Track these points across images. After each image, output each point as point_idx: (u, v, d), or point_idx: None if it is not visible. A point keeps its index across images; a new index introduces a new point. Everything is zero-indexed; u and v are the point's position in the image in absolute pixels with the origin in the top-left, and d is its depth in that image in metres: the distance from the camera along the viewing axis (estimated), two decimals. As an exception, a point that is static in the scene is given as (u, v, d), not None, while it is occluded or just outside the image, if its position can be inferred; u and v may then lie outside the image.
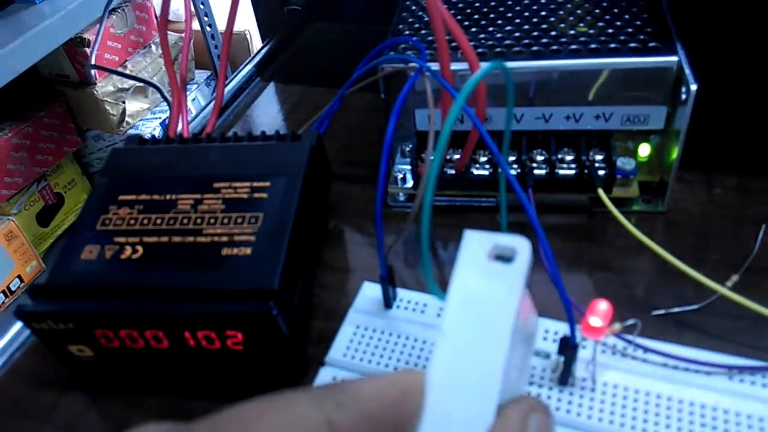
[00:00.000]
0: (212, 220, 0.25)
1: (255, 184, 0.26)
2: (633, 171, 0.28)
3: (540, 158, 0.29)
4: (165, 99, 0.35)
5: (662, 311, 0.25)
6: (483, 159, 0.29)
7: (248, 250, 0.23)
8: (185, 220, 0.25)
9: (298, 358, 0.23)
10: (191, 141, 0.30)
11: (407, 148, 0.31)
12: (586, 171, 0.28)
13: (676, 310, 0.24)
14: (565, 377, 0.21)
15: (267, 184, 0.26)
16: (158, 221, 0.25)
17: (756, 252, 0.26)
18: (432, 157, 0.25)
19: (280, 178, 0.26)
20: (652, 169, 0.29)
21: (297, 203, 0.25)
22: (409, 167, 0.31)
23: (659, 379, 0.21)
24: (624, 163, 0.28)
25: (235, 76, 0.44)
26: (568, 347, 0.20)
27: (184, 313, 0.22)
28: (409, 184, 0.31)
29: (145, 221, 0.25)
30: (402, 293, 0.25)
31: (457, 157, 0.29)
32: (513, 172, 0.29)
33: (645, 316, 0.25)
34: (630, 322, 0.20)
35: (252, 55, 0.47)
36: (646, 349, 0.22)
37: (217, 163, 0.28)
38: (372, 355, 0.23)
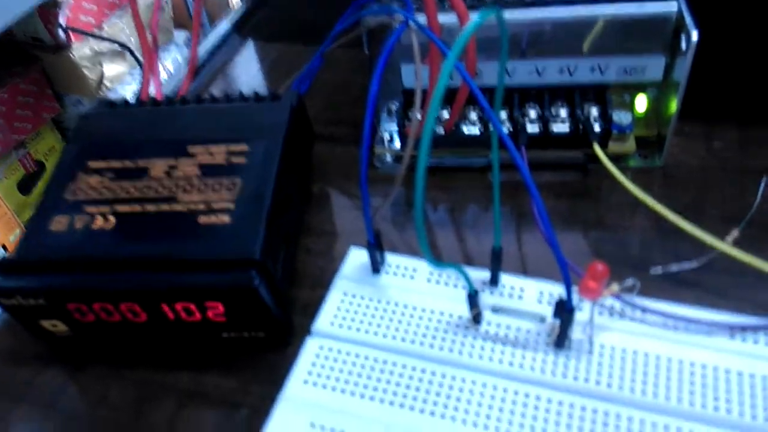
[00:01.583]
0: (188, 187, 0.24)
1: (232, 147, 0.25)
2: (629, 125, 0.27)
3: (533, 114, 0.27)
4: (136, 60, 0.34)
5: (660, 270, 0.24)
6: (473, 116, 0.28)
7: (227, 218, 0.22)
8: (159, 188, 0.24)
9: (282, 329, 0.23)
10: (164, 104, 0.28)
11: (394, 107, 0.30)
12: (581, 126, 0.27)
13: (674, 268, 0.24)
14: (561, 341, 0.20)
15: (245, 147, 0.24)
16: (131, 189, 0.24)
17: (757, 206, 0.25)
18: (419, 116, 0.24)
19: (259, 141, 0.25)
20: (649, 122, 0.28)
21: (278, 167, 0.24)
22: (395, 127, 0.29)
23: (658, 339, 0.20)
24: (620, 117, 0.27)
25: (212, 35, 0.42)
26: (564, 310, 0.19)
27: (160, 286, 0.21)
28: (397, 144, 0.29)
29: (117, 189, 0.24)
30: (391, 258, 0.24)
31: (446, 114, 0.28)
32: (505, 129, 0.27)
33: (642, 275, 0.24)
34: (628, 282, 0.19)
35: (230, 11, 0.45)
36: (644, 309, 0.21)
37: (191, 127, 0.26)
38: (360, 323, 0.22)
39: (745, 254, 0.22)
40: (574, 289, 0.19)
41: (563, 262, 0.18)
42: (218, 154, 0.24)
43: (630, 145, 0.27)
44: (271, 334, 0.22)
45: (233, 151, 0.24)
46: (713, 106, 0.30)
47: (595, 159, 0.26)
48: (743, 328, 0.20)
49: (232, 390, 0.22)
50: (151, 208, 0.23)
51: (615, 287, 0.19)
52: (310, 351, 0.21)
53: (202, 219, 0.22)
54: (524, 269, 0.25)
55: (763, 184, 0.25)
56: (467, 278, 0.20)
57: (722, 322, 0.20)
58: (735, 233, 0.24)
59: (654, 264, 0.24)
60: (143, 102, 0.29)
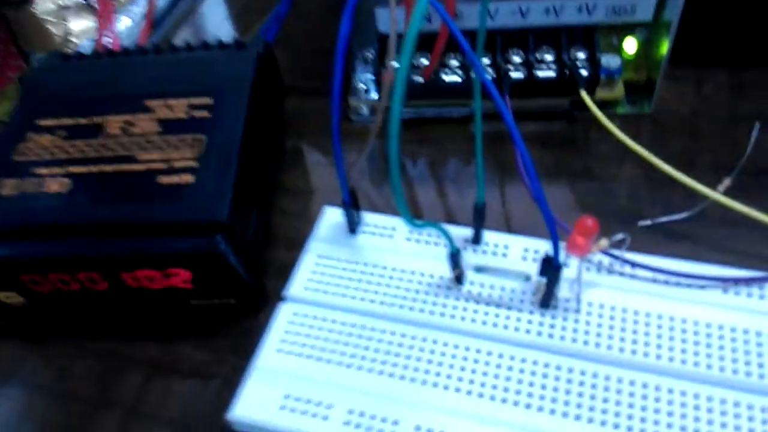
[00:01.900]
0: (147, 145, 0.22)
1: (194, 101, 0.23)
2: (618, 69, 0.25)
3: (517, 59, 0.26)
4: (91, 7, 0.31)
5: (649, 221, 0.23)
6: (454, 63, 0.26)
7: (190, 178, 0.20)
8: (115, 146, 0.22)
9: (254, 294, 0.21)
10: (121, 55, 0.26)
11: (369, 55, 0.28)
12: (567, 72, 0.25)
13: (664, 219, 0.23)
14: (547, 299, 0.19)
15: (208, 100, 0.23)
16: (85, 148, 0.22)
17: (749, 152, 0.24)
18: (395, 64, 0.22)
19: (223, 93, 0.23)
20: (638, 66, 0.27)
21: (245, 120, 0.22)
22: (371, 76, 0.28)
23: (649, 295, 0.19)
24: (608, 60, 0.25)
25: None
26: (551, 268, 0.18)
27: (119, 253, 0.19)
28: (374, 95, 0.28)
29: (70, 149, 0.22)
30: (368, 217, 0.22)
31: (424, 62, 0.26)
32: (488, 76, 0.26)
33: (631, 228, 0.23)
34: (618, 236, 0.18)
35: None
36: (634, 264, 0.20)
37: (149, 79, 0.24)
38: (336, 287, 0.21)
39: (737, 203, 0.21)
40: (562, 245, 0.18)
41: (550, 218, 0.17)
42: (179, 108, 0.23)
43: (618, 90, 0.26)
44: (242, 300, 0.21)
45: (195, 105, 0.23)
46: (703, 49, 0.28)
47: (582, 106, 0.25)
48: (736, 281, 0.19)
49: (203, 361, 0.21)
50: (107, 168, 0.21)
51: (604, 242, 0.18)
52: (283, 318, 0.20)
53: (163, 179, 0.21)
54: (508, 225, 0.24)
55: (755, 131, 0.24)
56: (448, 237, 0.18)
57: (714, 276, 0.19)
58: (727, 182, 0.23)
59: (643, 216, 0.23)
60: (98, 54, 0.27)
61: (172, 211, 0.20)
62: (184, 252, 0.19)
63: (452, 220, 0.24)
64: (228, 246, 0.19)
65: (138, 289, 0.20)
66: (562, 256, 0.18)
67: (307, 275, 0.21)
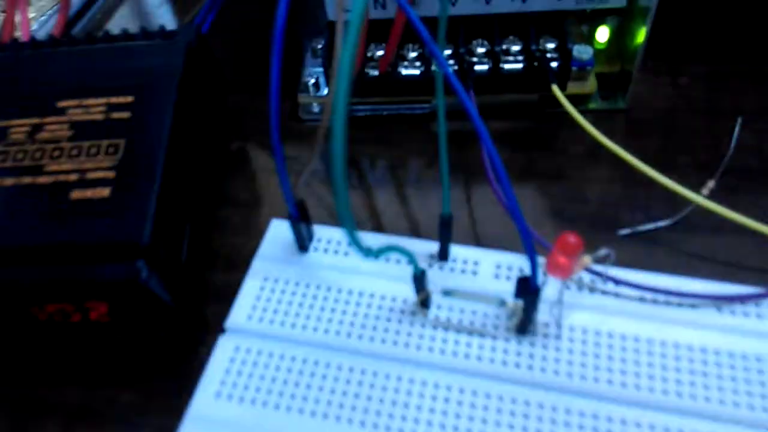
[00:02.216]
0: (56, 153, 0.18)
1: (113, 99, 0.19)
2: (590, 61, 0.23)
3: (481, 50, 0.23)
4: None
5: (629, 230, 0.21)
6: (413, 55, 0.23)
7: (106, 191, 0.17)
8: (20, 155, 0.19)
9: (189, 325, 0.18)
10: (29, 47, 0.22)
11: (318, 46, 0.25)
12: (535, 63, 0.23)
13: (645, 227, 0.21)
14: (524, 325, 0.17)
15: (129, 99, 0.19)
16: (-21, 159, 0.19)
17: (732, 151, 0.22)
18: (341, 52, 0.19)
19: (147, 91, 0.20)
20: (610, 57, 0.24)
21: (171, 121, 0.19)
22: (321, 69, 0.25)
23: (635, 317, 0.17)
24: (580, 51, 0.23)
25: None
26: (528, 291, 0.16)
27: (22, 282, 0.16)
28: (325, 90, 0.25)
29: (-40, 160, 0.19)
30: (320, 231, 0.20)
31: (380, 53, 0.23)
32: (450, 69, 0.23)
33: (610, 237, 0.21)
34: (602, 252, 0.16)
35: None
36: (617, 281, 0.18)
37: (62, 75, 0.21)
38: (285, 315, 0.18)
39: (724, 209, 0.19)
40: (540, 263, 0.15)
41: (527, 234, 0.15)
42: (95, 108, 0.19)
43: (591, 84, 0.24)
44: (174, 333, 0.18)
45: (114, 104, 0.19)
46: (677, 36, 0.26)
47: (552, 102, 0.23)
48: (730, 299, 0.17)
49: (130, 405, 0.18)
50: (9, 181, 0.18)
51: (587, 260, 0.16)
52: (221, 354, 0.17)
53: (75, 194, 0.17)
54: (477, 237, 0.22)
55: (737, 127, 0.23)
56: (411, 258, 0.16)
57: (707, 294, 0.17)
58: (711, 184, 0.21)
59: (622, 223, 0.21)
60: (3, 45, 0.23)
61: (84, 232, 0.17)
62: (98, 281, 0.16)
63: (415, 231, 0.22)
64: (150, 272, 0.16)
65: (51, 325, 0.17)
66: (539, 277, 0.16)
67: (251, 302, 0.18)
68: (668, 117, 0.24)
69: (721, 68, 0.25)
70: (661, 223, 0.21)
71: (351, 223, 0.13)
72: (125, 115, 0.19)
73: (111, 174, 0.18)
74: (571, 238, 0.14)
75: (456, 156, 0.23)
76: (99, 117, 0.19)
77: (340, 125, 0.12)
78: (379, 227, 0.22)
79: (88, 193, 0.17)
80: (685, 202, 0.20)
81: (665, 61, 0.26)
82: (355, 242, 0.13)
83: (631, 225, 0.21)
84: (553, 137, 0.24)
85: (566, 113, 0.24)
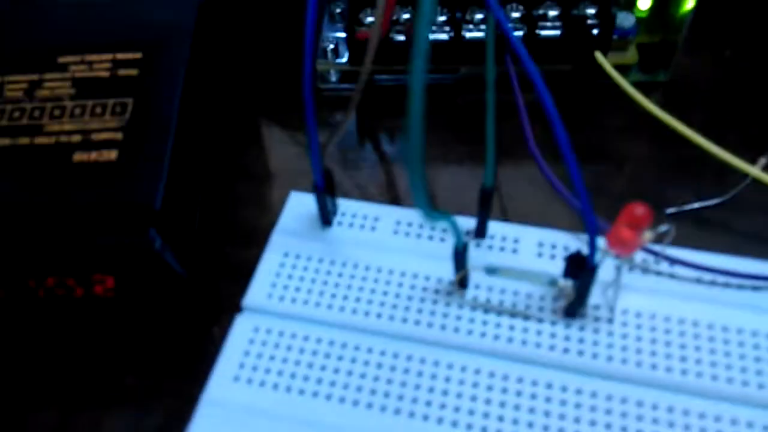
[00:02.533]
0: (57, 112, 0.17)
1: (120, 56, 0.18)
2: (632, 29, 0.22)
3: (516, 15, 0.22)
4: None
5: (675, 209, 0.19)
6: (441, 18, 0.22)
7: (113, 154, 0.16)
8: (17, 113, 0.17)
9: (202, 303, 0.17)
10: None
11: (338, 10, 0.24)
12: (574, 30, 0.21)
13: (696, 205, 0.19)
14: (574, 308, 0.15)
15: (137, 55, 0.18)
16: (-29, 116, 0.17)
17: (784, 127, 0.20)
18: (381, 12, 0.18)
19: (157, 47, 0.18)
20: (650, 27, 0.23)
21: (184, 80, 0.17)
22: (342, 34, 0.23)
23: (693, 300, 0.16)
24: (622, 18, 0.22)
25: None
26: (585, 269, 0.14)
27: (21, 251, 0.15)
28: (344, 58, 0.23)
29: (-50, 117, 0.17)
30: (345, 205, 0.18)
31: (406, 16, 0.22)
32: (477, 34, 0.22)
33: (656, 216, 0.19)
34: (662, 228, 0.15)
35: None
36: (672, 261, 0.16)
37: (63, 29, 0.19)
38: (308, 294, 0.16)
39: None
40: (599, 240, 0.14)
41: (588, 207, 0.13)
42: (100, 65, 0.18)
43: (632, 54, 0.22)
44: (188, 312, 0.17)
45: (121, 61, 0.18)
46: (720, 7, 0.25)
47: (587, 74, 0.21)
48: (798, 282, 0.16)
49: (138, 388, 0.17)
50: (5, 141, 0.16)
51: (648, 236, 0.14)
52: (240, 334, 0.16)
53: (78, 156, 0.16)
54: (505, 214, 0.20)
55: (788, 102, 0.21)
56: (457, 231, 0.14)
57: (771, 275, 0.16)
58: (763, 161, 0.19)
59: (669, 201, 0.19)
60: (-2, -1, 0.21)
61: (90, 198, 0.15)
62: (106, 250, 0.15)
63: (438, 208, 0.20)
64: (163, 242, 0.14)
65: (51, 301, 0.16)
66: (598, 255, 0.14)
67: (271, 279, 0.17)
68: (712, 91, 0.23)
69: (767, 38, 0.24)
70: (711, 201, 0.19)
71: (421, 181, 0.11)
72: (133, 72, 0.17)
73: (118, 135, 0.16)
74: (639, 209, 0.13)
75: (479, 130, 0.22)
76: (104, 74, 0.17)
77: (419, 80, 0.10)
78: (397, 201, 0.21)
79: (93, 156, 0.16)
80: (735, 179, 0.19)
81: (707, 32, 0.24)
82: (422, 200, 0.12)
83: (678, 203, 0.19)
84: (590, 110, 0.23)
85: (603, 85, 0.22)
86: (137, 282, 0.15)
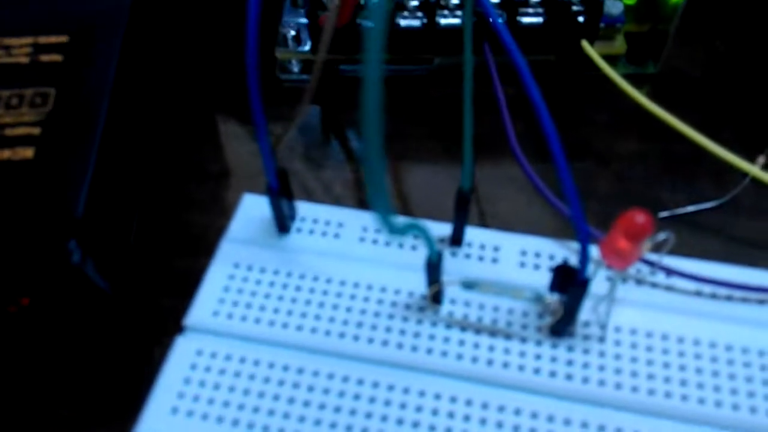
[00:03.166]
0: (-33, 103, 0.14)
1: (42, 39, 0.15)
2: (620, 16, 0.20)
3: (494, 0, 0.20)
4: None
5: (669, 212, 0.18)
6: (413, 3, 0.20)
7: (29, 152, 0.13)
8: None
9: (139, 323, 0.15)
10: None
11: (300, -6, 0.22)
12: (558, 17, 0.20)
13: (691, 208, 0.18)
14: (561, 326, 0.14)
15: (63, 39, 0.15)
16: None
17: (782, 124, 0.19)
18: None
19: (86, 30, 0.16)
20: (639, 15, 0.21)
21: (116, 68, 0.15)
22: (305, 20, 0.21)
23: (693, 315, 0.14)
24: (609, 5, 0.20)
25: None
26: (575, 283, 0.13)
27: None
28: (307, 46, 0.21)
29: None
30: (305, 208, 0.16)
31: None
32: (453, 20, 0.20)
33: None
34: (661, 236, 0.13)
35: None
36: (669, 272, 0.15)
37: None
38: (261, 311, 0.14)
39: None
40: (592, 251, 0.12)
41: (579, 217, 0.12)
42: (19, 50, 0.15)
43: (619, 44, 0.21)
44: (119, 332, 0.14)
45: (43, 45, 0.15)
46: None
47: (571, 65, 0.20)
48: (808, 295, 0.14)
49: (66, 422, 0.14)
50: None
51: (647, 245, 0.13)
52: (180, 359, 0.14)
53: (-10, 155, 0.14)
54: (483, 218, 0.18)
55: (785, 96, 0.20)
56: (430, 240, 0.12)
57: (777, 287, 0.14)
58: (762, 159, 0.18)
59: (662, 204, 0.18)
60: None
61: (0, 203, 0.13)
62: (17, 266, 0.12)
63: (412, 212, 0.19)
64: (87, 254, 0.12)
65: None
66: (590, 267, 0.12)
67: (218, 294, 0.15)
68: (704, 85, 0.21)
69: (762, 32, 0.22)
70: (707, 205, 0.18)
71: (384, 189, 0.09)
72: (57, 58, 0.15)
73: (36, 130, 0.14)
74: (640, 218, 0.11)
75: (455, 125, 0.20)
76: (23, 60, 0.15)
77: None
78: (365, 204, 0.19)
79: (6, 154, 0.13)
80: (732, 180, 0.18)
81: (697, 22, 0.23)
82: (383, 213, 0.10)
83: (672, 206, 0.18)
84: (575, 104, 0.21)
85: (588, 77, 0.21)
86: (57, 300, 0.13)
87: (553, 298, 0.14)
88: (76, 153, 0.13)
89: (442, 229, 0.16)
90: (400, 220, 0.10)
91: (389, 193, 0.10)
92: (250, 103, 0.12)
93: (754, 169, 0.17)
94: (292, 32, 0.21)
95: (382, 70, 0.08)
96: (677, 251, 0.15)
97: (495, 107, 0.19)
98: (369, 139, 0.09)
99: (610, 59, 0.21)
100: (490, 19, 0.11)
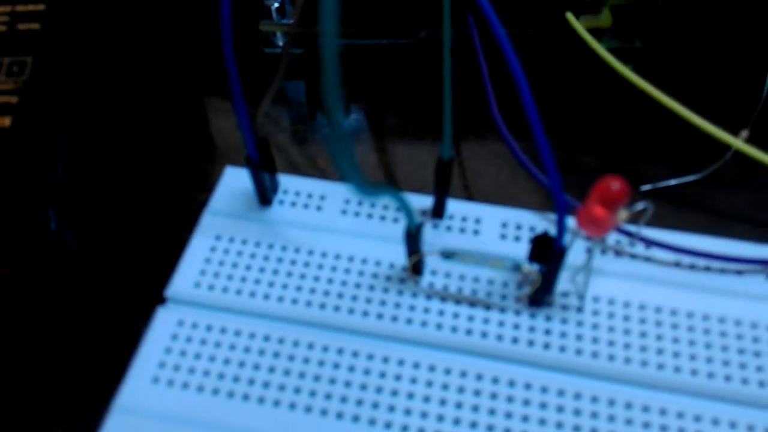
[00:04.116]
0: (-57, 72, 0.14)
1: (20, 7, 0.15)
2: (606, -11, 0.20)
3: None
4: None
5: (651, 185, 0.18)
6: (397, -24, 0.20)
7: (6, 121, 0.13)
8: None
9: (121, 294, 0.15)
10: None
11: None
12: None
13: (673, 181, 0.18)
14: (540, 295, 0.14)
15: (40, 7, 0.15)
16: None
17: (766, 96, 0.19)
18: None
19: (66, -1, 0.16)
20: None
21: (95, 35, 0.15)
22: (288, -8, 0.21)
23: (672, 286, 0.14)
24: (594, -22, 0.20)
25: None
26: (552, 252, 0.13)
27: None
28: (291, 19, 0.21)
29: None
30: (287, 181, 0.16)
31: (359, -28, 0.20)
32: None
33: (632, 194, 0.18)
34: (639, 206, 0.13)
35: None
36: (648, 243, 0.15)
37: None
38: (242, 282, 0.14)
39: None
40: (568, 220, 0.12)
41: (557, 185, 0.12)
42: (-4, 19, 0.15)
43: (605, 18, 0.20)
44: (99, 303, 0.14)
45: (21, 13, 0.15)
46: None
47: (554, 38, 0.19)
48: (784, 265, 0.14)
49: (47, 393, 0.15)
50: None
51: (624, 214, 0.13)
52: (162, 330, 0.14)
53: (-33, 125, 0.13)
54: (469, 192, 0.18)
55: (770, 71, 0.20)
56: (407, 208, 0.12)
57: (756, 257, 0.14)
58: (745, 133, 0.18)
59: (644, 177, 0.18)
60: None
61: (-21, 174, 0.13)
62: (-5, 236, 0.12)
63: (398, 185, 0.19)
64: (63, 223, 0.12)
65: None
66: (567, 236, 0.12)
67: (199, 265, 0.15)
68: (691, 61, 0.21)
69: (750, 5, 0.22)
70: (690, 177, 0.18)
71: (349, 149, 0.09)
72: (34, 26, 0.15)
73: (13, 99, 0.14)
74: (615, 184, 0.11)
75: (441, 100, 0.20)
76: (1, 28, 0.15)
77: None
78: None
79: (-16, 123, 0.13)
80: (715, 153, 0.18)
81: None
82: (351, 173, 0.10)
83: (654, 179, 0.18)
84: (559, 78, 0.21)
85: (571, 51, 0.20)
86: (36, 269, 0.13)
87: (532, 268, 0.14)
88: (54, 122, 0.13)
89: (424, 201, 0.16)
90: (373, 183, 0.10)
91: (354, 153, 0.09)
92: (228, 72, 0.12)
93: (737, 143, 0.17)
94: (276, 4, 0.21)
95: (338, 41, 0.08)
96: (658, 223, 0.15)
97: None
98: (329, 94, 0.09)
99: (595, 33, 0.21)
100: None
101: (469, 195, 0.18)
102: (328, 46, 0.08)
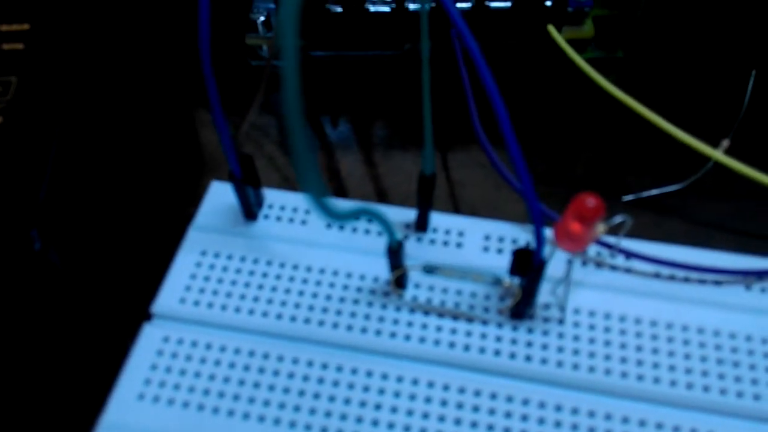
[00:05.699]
0: (-72, 93, 0.14)
1: (4, 27, 0.15)
2: (588, 0, 0.20)
3: (463, -15, 0.20)
4: None
5: (633, 196, 0.18)
6: (381, -12, 0.20)
7: (-10, 141, 0.13)
8: None
9: (107, 311, 0.15)
10: None
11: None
12: (525, 1, 0.20)
13: (655, 192, 0.18)
14: (521, 309, 0.14)
15: (24, 27, 0.15)
16: None
17: (746, 107, 0.19)
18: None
19: (50, 16, 0.16)
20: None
21: (82, 56, 0.15)
22: (273, 5, 0.21)
23: (651, 297, 0.14)
24: (577, -11, 0.20)
25: None
26: (531, 266, 0.13)
27: None
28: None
29: None
30: (272, 196, 0.16)
31: (343, -14, 0.20)
32: (413, 5, 0.20)
33: (612, 204, 0.18)
34: (617, 219, 0.13)
35: None
36: (629, 254, 0.15)
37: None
38: (227, 298, 0.15)
39: (748, 167, 0.16)
40: (547, 234, 0.12)
41: (533, 199, 0.12)
42: (-19, 39, 0.15)
43: (588, 28, 0.21)
44: (85, 320, 0.15)
45: (5, 33, 0.15)
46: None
47: (536, 49, 0.20)
48: (763, 275, 0.14)
49: (34, 409, 0.15)
50: None
51: (602, 228, 0.13)
52: (147, 346, 0.14)
53: (-48, 145, 0.14)
54: (455, 205, 0.19)
55: (751, 81, 0.20)
56: (387, 227, 0.13)
57: (734, 268, 0.15)
58: (725, 143, 0.18)
59: (626, 188, 0.18)
60: None
61: (-37, 194, 0.13)
62: (-20, 258, 0.12)
63: (384, 198, 0.19)
64: (48, 242, 0.12)
65: None
66: (546, 250, 0.13)
67: (184, 281, 0.15)
68: (673, 69, 0.21)
69: (731, 11, 0.23)
70: (671, 188, 0.18)
71: (314, 170, 0.09)
72: (18, 46, 0.15)
73: (-1, 118, 0.14)
74: (590, 201, 0.11)
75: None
76: (-14, 48, 0.15)
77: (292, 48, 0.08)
78: (341, 192, 0.19)
79: (-31, 143, 0.13)
80: (696, 165, 0.18)
81: (667, 6, 0.23)
82: (318, 198, 0.10)
83: (636, 190, 0.18)
84: (539, 90, 0.21)
85: (553, 62, 0.21)
86: (20, 288, 0.13)
87: (513, 282, 0.14)
88: (38, 142, 0.13)
89: (408, 214, 0.16)
90: (345, 204, 0.10)
91: (321, 176, 0.09)
92: (207, 87, 0.12)
93: (716, 154, 0.17)
94: (262, 17, 0.21)
95: (298, 56, 0.08)
96: (640, 234, 0.16)
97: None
98: (292, 123, 0.09)
99: (578, 43, 0.21)
100: (445, 5, 0.11)
101: (455, 205, 0.19)
102: (287, 60, 0.09)
